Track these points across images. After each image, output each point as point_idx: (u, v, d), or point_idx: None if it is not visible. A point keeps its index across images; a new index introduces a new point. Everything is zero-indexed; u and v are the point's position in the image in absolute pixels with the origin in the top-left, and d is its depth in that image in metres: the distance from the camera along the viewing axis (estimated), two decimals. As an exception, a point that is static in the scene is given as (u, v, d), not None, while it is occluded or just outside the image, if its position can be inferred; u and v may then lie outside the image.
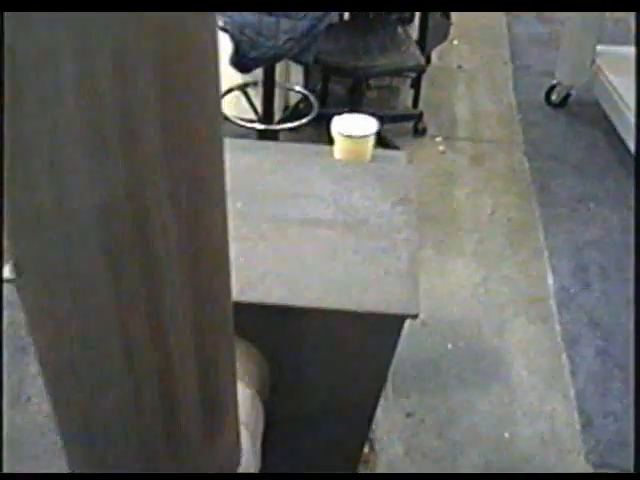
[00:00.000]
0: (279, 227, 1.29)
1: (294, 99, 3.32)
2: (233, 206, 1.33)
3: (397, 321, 1.13)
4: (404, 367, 2.19)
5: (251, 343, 1.20)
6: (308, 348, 1.22)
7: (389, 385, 2.09)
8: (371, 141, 1.64)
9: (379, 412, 2.00)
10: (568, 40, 3.44)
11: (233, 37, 2.48)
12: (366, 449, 1.72)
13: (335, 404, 1.31)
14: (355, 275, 1.19)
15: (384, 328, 1.17)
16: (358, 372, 1.26)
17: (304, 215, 1.33)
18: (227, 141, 0.72)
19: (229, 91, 2.99)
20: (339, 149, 1.64)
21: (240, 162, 1.48)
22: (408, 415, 2.06)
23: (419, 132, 3.36)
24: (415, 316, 1.13)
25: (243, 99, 3.03)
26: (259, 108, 2.96)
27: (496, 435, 2.02)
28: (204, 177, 0.66)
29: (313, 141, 1.65)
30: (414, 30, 3.39)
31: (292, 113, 3.19)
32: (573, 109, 3.60)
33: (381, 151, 1.76)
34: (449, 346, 2.29)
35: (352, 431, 1.37)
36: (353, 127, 1.64)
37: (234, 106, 3.02)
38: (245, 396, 1.11)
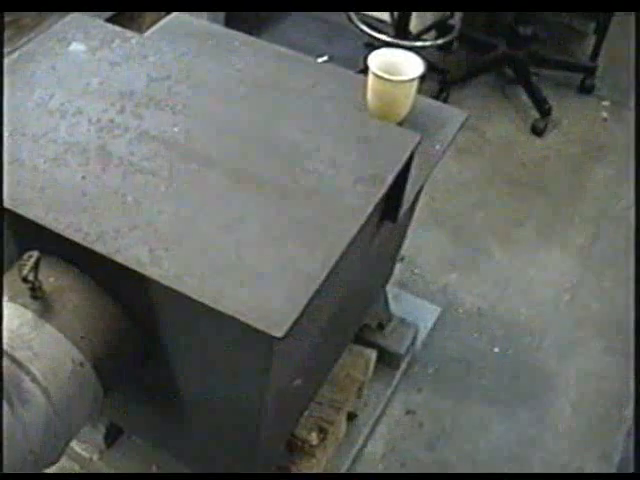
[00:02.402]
0: (200, 173, 1.02)
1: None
2: (169, 131, 1.09)
3: (255, 336, 0.85)
4: (431, 354, 1.88)
5: (108, 296, 0.99)
6: (168, 325, 0.99)
7: (401, 368, 1.80)
8: (411, 88, 1.31)
9: (376, 399, 1.74)
10: None
11: None
12: (314, 440, 1.48)
13: (209, 396, 1.08)
14: (244, 255, 0.92)
15: (243, 338, 0.90)
16: (226, 380, 1.00)
17: (245, 165, 1.05)
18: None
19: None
20: (372, 89, 1.33)
21: (220, 70, 1.21)
22: (407, 412, 1.77)
23: (585, 89, 2.80)
24: (280, 339, 0.84)
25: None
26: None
27: (495, 472, 1.68)
28: None
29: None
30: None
31: (437, 27, 2.75)
32: None
33: (432, 103, 1.41)
34: (495, 349, 1.93)
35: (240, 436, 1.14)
36: (393, 66, 1.31)
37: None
38: (57, 356, 0.92)
